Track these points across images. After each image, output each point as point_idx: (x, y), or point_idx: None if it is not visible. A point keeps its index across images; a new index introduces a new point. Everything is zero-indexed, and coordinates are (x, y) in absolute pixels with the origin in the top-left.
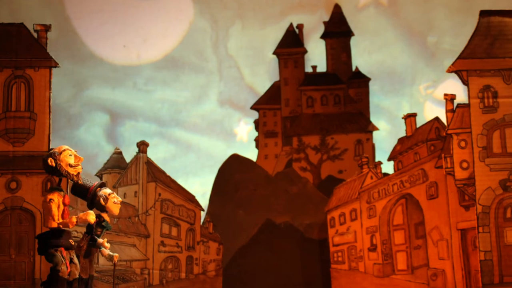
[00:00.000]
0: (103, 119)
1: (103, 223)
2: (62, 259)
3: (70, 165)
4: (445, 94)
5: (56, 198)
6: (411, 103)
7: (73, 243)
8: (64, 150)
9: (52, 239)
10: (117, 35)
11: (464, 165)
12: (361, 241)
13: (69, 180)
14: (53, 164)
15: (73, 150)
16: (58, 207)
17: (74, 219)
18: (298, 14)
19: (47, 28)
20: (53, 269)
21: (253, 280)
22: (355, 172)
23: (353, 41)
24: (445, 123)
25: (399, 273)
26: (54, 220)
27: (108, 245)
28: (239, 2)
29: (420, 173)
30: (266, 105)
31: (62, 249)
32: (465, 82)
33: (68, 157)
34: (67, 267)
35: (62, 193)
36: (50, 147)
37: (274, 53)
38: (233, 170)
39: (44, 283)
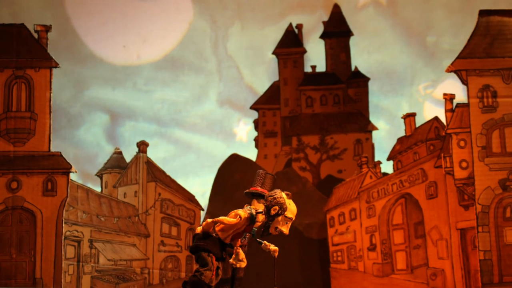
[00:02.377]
0: (103, 119)
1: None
2: (211, 265)
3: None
4: (445, 94)
5: (242, 217)
6: (410, 103)
7: (224, 256)
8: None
9: (209, 245)
10: (117, 36)
11: (464, 164)
12: (360, 241)
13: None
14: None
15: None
16: (236, 227)
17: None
18: (297, 14)
19: (47, 28)
20: (197, 271)
21: (253, 279)
22: (354, 172)
23: (352, 41)
24: (445, 123)
25: (399, 272)
26: (223, 231)
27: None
28: (238, 2)
29: (420, 173)
30: (266, 105)
31: (213, 257)
32: (464, 82)
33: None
34: (212, 274)
35: (253, 227)
36: (50, 147)
37: (273, 53)
38: (232, 170)
39: (185, 283)
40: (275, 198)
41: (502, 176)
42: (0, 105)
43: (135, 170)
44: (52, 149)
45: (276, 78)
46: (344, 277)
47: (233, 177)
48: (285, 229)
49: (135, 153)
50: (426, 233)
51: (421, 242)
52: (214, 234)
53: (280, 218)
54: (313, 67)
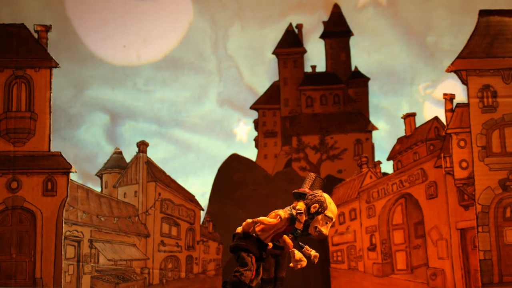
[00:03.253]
0: (103, 119)
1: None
2: (251, 265)
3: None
4: (445, 94)
5: (282, 217)
6: (410, 103)
7: (264, 256)
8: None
9: (249, 245)
10: (117, 36)
11: (464, 164)
12: (360, 241)
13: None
14: (316, 211)
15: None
16: (276, 227)
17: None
18: (297, 14)
19: (47, 28)
20: (237, 271)
21: None
22: (354, 172)
23: (352, 41)
24: (445, 123)
25: (399, 272)
26: (263, 231)
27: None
28: (238, 2)
29: (420, 173)
30: (266, 105)
31: (253, 257)
32: (464, 82)
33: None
34: (252, 274)
35: (293, 227)
36: (50, 147)
37: (273, 53)
38: (232, 170)
39: (226, 283)
40: (315, 196)
41: (502, 176)
42: (0, 105)
43: (135, 170)
44: (52, 149)
45: (276, 78)
46: (344, 277)
47: (233, 177)
48: (325, 229)
49: (135, 153)
50: (426, 233)
51: (421, 242)
52: (254, 234)
53: (320, 217)
54: (313, 67)
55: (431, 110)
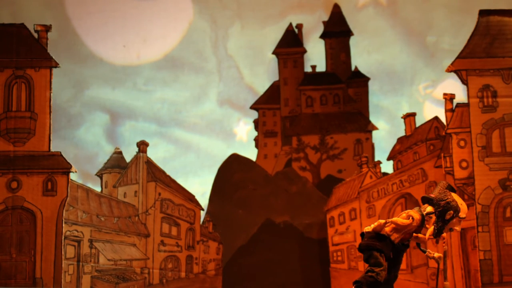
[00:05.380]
0: (103, 119)
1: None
2: (385, 265)
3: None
4: (445, 94)
5: (415, 218)
6: (410, 103)
7: (391, 256)
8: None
9: (382, 245)
10: (117, 35)
11: (464, 164)
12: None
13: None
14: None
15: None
16: (408, 228)
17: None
18: (297, 14)
19: (47, 28)
20: (372, 271)
21: (253, 279)
22: (354, 172)
23: (352, 41)
24: (445, 123)
25: (398, 272)
26: (395, 232)
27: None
28: (238, 2)
29: (420, 173)
30: (266, 104)
31: (384, 257)
32: (464, 82)
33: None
34: (385, 274)
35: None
36: (50, 147)
37: (273, 53)
38: (232, 170)
39: (360, 283)
40: (448, 203)
41: (502, 176)
42: (0, 105)
43: (135, 170)
44: (52, 149)
45: (276, 78)
46: (344, 277)
47: (233, 177)
48: (458, 228)
49: (135, 153)
50: None
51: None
52: (385, 234)
53: (455, 220)
54: (313, 67)
55: (431, 110)
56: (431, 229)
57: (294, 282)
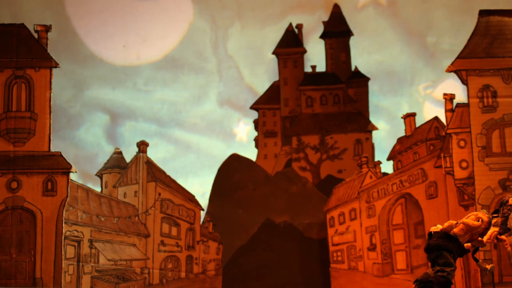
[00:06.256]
0: (103, 119)
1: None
2: (455, 266)
3: None
4: (445, 94)
5: (484, 220)
6: (410, 103)
7: (456, 257)
8: None
9: (451, 245)
10: (117, 35)
11: (464, 164)
12: (360, 241)
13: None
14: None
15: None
16: (476, 229)
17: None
18: (297, 14)
19: (47, 28)
20: (443, 271)
21: (253, 279)
22: (354, 172)
23: (352, 41)
24: (445, 123)
25: (399, 272)
26: (464, 232)
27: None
28: (238, 2)
29: (420, 173)
30: (266, 105)
31: (453, 257)
32: (464, 82)
33: None
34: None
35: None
36: (50, 147)
37: (273, 53)
38: (232, 170)
39: (431, 282)
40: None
41: (502, 176)
42: (0, 105)
43: (135, 170)
44: (52, 149)
45: (276, 78)
46: (344, 277)
47: (233, 177)
48: None
49: (135, 153)
50: (426, 233)
51: (421, 242)
52: (453, 234)
53: None
54: (313, 67)
55: (431, 110)
56: (489, 232)
57: (294, 282)
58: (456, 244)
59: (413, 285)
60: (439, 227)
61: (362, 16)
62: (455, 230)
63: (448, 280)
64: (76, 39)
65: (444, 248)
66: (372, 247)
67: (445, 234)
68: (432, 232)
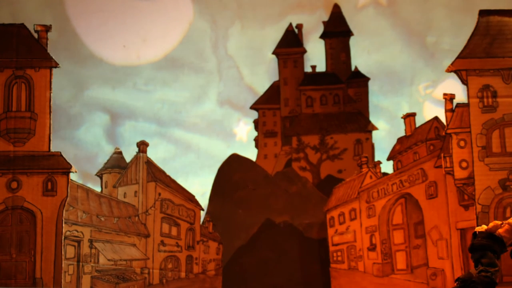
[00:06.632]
0: (103, 119)
1: None
2: (499, 267)
3: None
4: (445, 94)
5: None
6: (410, 103)
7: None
8: None
9: (495, 246)
10: (117, 35)
11: (464, 164)
12: (360, 241)
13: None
14: None
15: None
16: None
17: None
18: (297, 14)
19: (47, 28)
20: (487, 271)
21: (253, 279)
22: (354, 172)
23: (352, 41)
24: (445, 123)
25: (399, 272)
26: (509, 234)
27: None
28: (238, 2)
29: (420, 173)
30: (266, 105)
31: (496, 258)
32: (464, 82)
33: None
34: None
35: None
36: (50, 147)
37: (273, 53)
38: (232, 170)
39: (474, 282)
40: None
41: (502, 176)
42: (0, 105)
43: (135, 170)
44: (52, 149)
45: (276, 78)
46: (344, 277)
47: (233, 177)
48: None
49: (135, 153)
50: (426, 233)
51: (421, 242)
52: (498, 235)
53: None
54: (313, 67)
55: (431, 110)
56: None
57: (294, 282)
58: (501, 245)
59: (455, 283)
60: (484, 227)
61: (362, 16)
62: (500, 230)
63: (493, 280)
64: (76, 39)
65: (488, 248)
66: (372, 247)
67: (490, 235)
68: (477, 232)
